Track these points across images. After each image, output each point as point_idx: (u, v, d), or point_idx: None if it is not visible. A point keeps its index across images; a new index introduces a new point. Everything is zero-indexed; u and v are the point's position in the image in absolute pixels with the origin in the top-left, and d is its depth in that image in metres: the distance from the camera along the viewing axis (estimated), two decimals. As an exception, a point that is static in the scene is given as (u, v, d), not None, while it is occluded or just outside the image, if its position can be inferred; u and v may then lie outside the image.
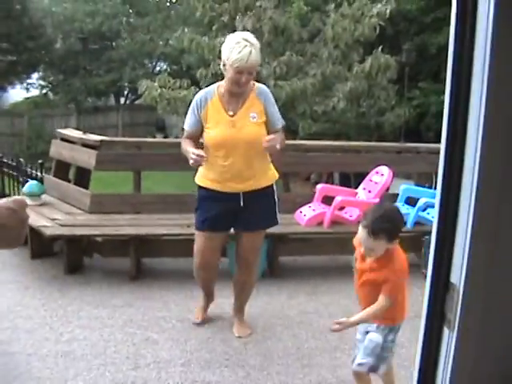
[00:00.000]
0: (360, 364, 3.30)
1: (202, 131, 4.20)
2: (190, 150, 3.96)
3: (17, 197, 1.54)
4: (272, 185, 4.33)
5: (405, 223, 3.33)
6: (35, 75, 24.54)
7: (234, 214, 4.24)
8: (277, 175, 4.39)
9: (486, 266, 0.89)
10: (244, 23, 10.39)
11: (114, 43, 26.09)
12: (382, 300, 3.13)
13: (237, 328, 4.59)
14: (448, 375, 0.96)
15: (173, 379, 3.84)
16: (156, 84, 11.06)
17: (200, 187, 4.29)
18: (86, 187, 6.40)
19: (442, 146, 0.98)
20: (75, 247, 5.71)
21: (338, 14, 10.63)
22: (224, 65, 4.03)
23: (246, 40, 3.95)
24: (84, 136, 6.37)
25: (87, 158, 5.99)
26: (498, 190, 0.87)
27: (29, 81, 24.27)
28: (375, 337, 3.25)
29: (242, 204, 4.19)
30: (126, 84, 26.62)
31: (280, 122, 4.28)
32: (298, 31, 10.99)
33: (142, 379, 3.83)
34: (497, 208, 0.86)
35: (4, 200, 1.49)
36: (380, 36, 11.08)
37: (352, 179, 8.80)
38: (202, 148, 4.15)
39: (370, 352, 3.26)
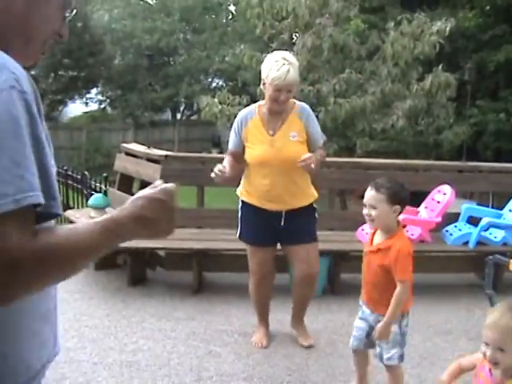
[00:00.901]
0: (390, 358, 3.48)
1: (243, 150, 4.32)
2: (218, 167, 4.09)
3: (165, 185, 1.47)
4: (312, 203, 4.45)
5: (407, 198, 3.53)
6: (94, 90, 25.12)
7: (275, 229, 4.37)
8: (316, 194, 4.50)
9: None
10: (304, 40, 10.47)
11: (171, 59, 26.54)
12: (399, 288, 3.30)
13: (303, 338, 4.68)
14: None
15: (236, 392, 3.90)
16: (216, 100, 11.20)
17: (243, 202, 4.44)
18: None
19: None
20: (139, 260, 5.83)
21: (397, 32, 10.61)
22: (264, 83, 4.15)
23: (285, 59, 4.08)
24: (148, 151, 6.51)
25: (152, 173, 6.12)
26: None
27: (88, 96, 24.86)
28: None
29: (282, 223, 4.33)
30: (183, 100, 27.05)
31: (322, 140, 4.42)
32: (356, 48, 11.00)
33: (206, 391, 3.90)
34: None
35: (151, 190, 1.45)
36: (438, 54, 11.02)
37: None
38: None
39: (393, 343, 3.45)
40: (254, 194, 4.35)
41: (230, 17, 27.59)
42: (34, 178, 1.21)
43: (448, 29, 10.43)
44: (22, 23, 1.40)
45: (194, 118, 29.31)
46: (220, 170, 4.02)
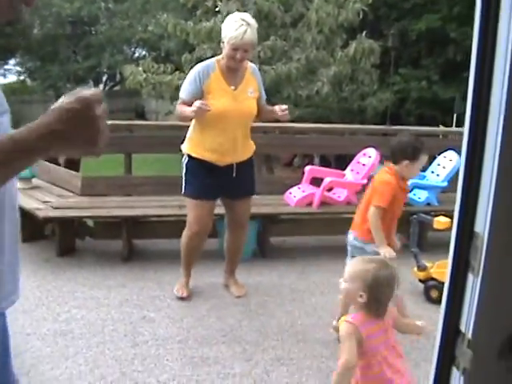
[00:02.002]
0: None
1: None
2: (189, 107, 4.21)
3: (81, 92, 1.28)
4: (253, 155, 4.74)
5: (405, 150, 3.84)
6: (12, 61, 24.36)
7: (224, 183, 4.55)
8: (254, 145, 4.75)
9: (509, 214, 0.99)
10: (228, 8, 10.40)
11: (92, 29, 25.96)
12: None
13: (235, 289, 4.94)
14: (472, 319, 1.05)
15: (171, 355, 3.92)
16: (140, 69, 11.09)
17: (191, 157, 4.51)
18: (77, 170, 6.45)
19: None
20: (67, 230, 5.76)
21: (321, -1, 10.69)
22: (223, 42, 4.33)
23: (243, 20, 4.27)
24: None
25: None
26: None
27: (6, 67, 24.09)
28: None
29: (234, 175, 4.53)
30: (105, 70, 26.55)
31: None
32: (281, 16, 11.01)
33: (142, 356, 3.90)
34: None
35: (64, 99, 1.27)
36: (362, 21, 11.15)
37: (332, 163, 8.90)
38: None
39: None
40: (208, 149, 4.45)
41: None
42: None
43: (371, -4, 10.58)
44: None
45: (116, 88, 28.87)
46: (203, 103, 4.14)
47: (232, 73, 4.41)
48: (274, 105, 4.67)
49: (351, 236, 4.07)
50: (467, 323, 1.07)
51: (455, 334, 1.11)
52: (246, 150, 4.63)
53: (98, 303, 4.72)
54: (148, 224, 5.95)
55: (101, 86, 28.15)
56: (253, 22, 4.34)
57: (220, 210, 4.84)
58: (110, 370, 3.72)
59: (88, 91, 1.28)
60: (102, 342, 4.09)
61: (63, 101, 1.26)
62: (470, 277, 1.05)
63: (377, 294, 2.61)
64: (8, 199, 1.54)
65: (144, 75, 10.81)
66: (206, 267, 5.24)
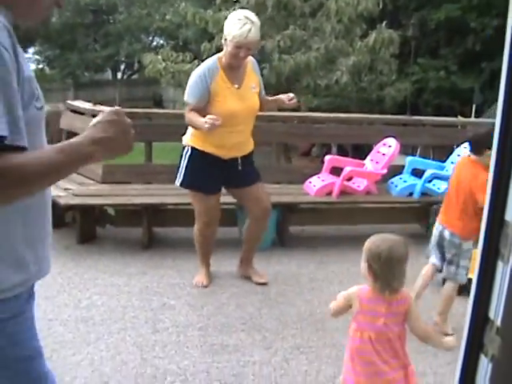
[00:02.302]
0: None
1: (207, 103, 4.38)
2: (200, 119, 4.22)
3: (111, 108, 1.67)
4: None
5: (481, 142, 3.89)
6: (31, 50, 24.45)
7: (230, 175, 4.64)
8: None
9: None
10: (248, -3, 10.43)
11: (111, 17, 26.00)
12: None
13: (258, 276, 5.00)
14: (502, 306, 1.07)
15: (191, 342, 3.96)
16: (159, 57, 11.14)
17: (195, 149, 4.55)
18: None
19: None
20: (88, 217, 5.81)
21: (341, -11, 10.66)
22: (225, 39, 4.32)
23: (247, 18, 4.27)
24: (95, 107, 6.43)
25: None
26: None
27: (25, 55, 24.13)
28: None
29: (240, 168, 4.62)
30: (123, 59, 26.62)
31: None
32: (300, 5, 10.99)
33: (162, 342, 3.95)
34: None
35: (100, 116, 1.62)
36: (381, 11, 11.14)
37: (350, 153, 8.88)
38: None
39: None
40: (214, 145, 4.48)
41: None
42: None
43: (390, -15, 10.55)
44: None
45: (134, 77, 28.94)
46: (213, 119, 4.13)
47: (234, 70, 4.44)
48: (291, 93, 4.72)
49: (447, 232, 4.10)
50: (496, 310, 1.08)
51: (484, 322, 1.12)
52: (250, 144, 4.74)
53: (119, 290, 4.77)
54: (168, 212, 6.00)
55: (119, 75, 28.26)
56: (256, 19, 4.35)
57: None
58: (131, 357, 3.77)
59: (116, 107, 1.68)
60: (123, 328, 4.14)
61: (101, 117, 1.61)
62: (500, 264, 1.07)
63: (377, 271, 2.65)
64: (48, 192, 1.81)
65: (163, 64, 10.88)
66: (225, 256, 5.28)
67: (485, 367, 1.12)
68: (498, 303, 1.08)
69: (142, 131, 6.07)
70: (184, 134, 4.67)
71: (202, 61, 10.09)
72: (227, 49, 4.31)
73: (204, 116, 4.26)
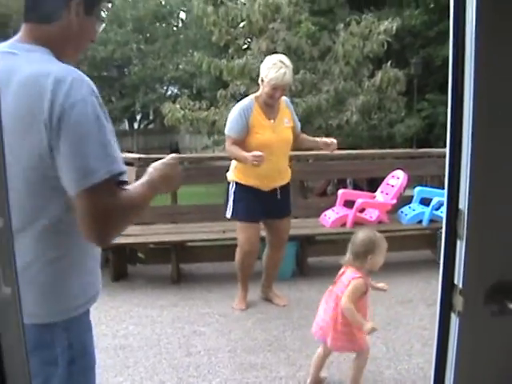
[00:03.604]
0: None
1: (246, 136, 4.87)
2: (245, 154, 4.73)
3: (170, 155, 2.11)
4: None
5: None
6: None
7: (269, 205, 5.06)
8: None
9: (483, 194, 1.41)
10: (259, 45, 10.96)
11: (125, 70, 26.74)
12: None
13: (280, 299, 5.47)
14: (461, 273, 1.47)
15: (222, 363, 4.32)
16: (178, 106, 11.65)
17: (238, 184, 5.03)
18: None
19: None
20: (120, 256, 6.22)
21: (347, 33, 11.19)
22: (262, 81, 4.86)
23: (282, 62, 4.82)
24: (122, 155, 6.88)
25: (128, 175, 6.52)
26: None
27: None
28: None
29: (279, 197, 5.07)
30: (139, 109, 27.30)
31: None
32: (309, 50, 11.53)
33: (195, 364, 4.30)
34: (490, 147, 1.38)
35: (162, 161, 2.03)
36: (387, 51, 11.60)
37: (364, 188, 9.26)
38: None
39: None
40: (254, 176, 4.94)
41: (181, 25, 27.92)
42: (118, 154, 1.78)
43: (394, 28, 11.06)
44: (76, 38, 1.90)
45: (150, 126, 29.61)
46: (258, 155, 4.64)
47: (269, 107, 4.93)
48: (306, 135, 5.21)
49: None
50: (458, 277, 1.48)
51: (451, 287, 1.52)
52: (287, 174, 5.17)
53: (153, 320, 5.15)
54: (194, 249, 6.40)
55: (135, 125, 28.91)
56: (289, 63, 4.90)
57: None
58: (167, 376, 4.13)
59: (173, 155, 2.12)
60: (159, 353, 4.50)
61: (164, 161, 2.03)
62: (458, 242, 1.47)
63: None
64: None
65: (182, 112, 11.37)
66: (249, 286, 5.64)
67: (454, 321, 1.51)
68: (459, 271, 1.47)
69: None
70: (226, 171, 5.15)
71: (218, 108, 10.63)
72: (264, 89, 4.84)
73: (243, 147, 4.80)
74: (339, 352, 4.03)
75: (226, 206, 5.10)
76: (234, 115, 4.93)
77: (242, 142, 4.86)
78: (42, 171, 1.71)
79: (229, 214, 5.10)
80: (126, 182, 1.81)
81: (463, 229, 1.44)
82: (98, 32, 2.01)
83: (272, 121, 4.95)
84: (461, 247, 1.46)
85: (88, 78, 1.76)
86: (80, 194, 1.69)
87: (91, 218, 1.71)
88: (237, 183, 5.03)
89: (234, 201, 5.05)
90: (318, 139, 5.30)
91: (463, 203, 1.44)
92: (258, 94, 4.98)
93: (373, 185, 8.66)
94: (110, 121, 1.83)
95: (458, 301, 1.49)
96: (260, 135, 4.88)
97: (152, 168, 2.00)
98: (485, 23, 1.34)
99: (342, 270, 3.80)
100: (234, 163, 5.07)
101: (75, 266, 1.91)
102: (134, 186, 1.88)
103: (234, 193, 5.04)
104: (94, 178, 1.67)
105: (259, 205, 5.02)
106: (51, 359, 1.85)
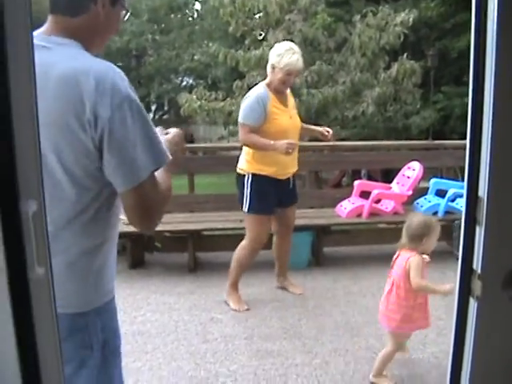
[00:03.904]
0: None
1: (263, 124, 4.83)
2: (273, 142, 4.73)
3: (175, 131, 2.14)
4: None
5: None
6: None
7: (283, 194, 5.12)
8: None
9: (503, 182, 1.45)
10: (276, 36, 10.99)
11: (141, 60, 26.76)
12: None
13: (295, 287, 5.53)
14: (480, 258, 1.51)
15: (239, 349, 4.38)
16: (194, 97, 11.71)
17: (255, 175, 4.94)
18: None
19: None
20: (138, 244, 6.30)
21: (363, 24, 11.19)
22: (273, 68, 4.84)
23: (292, 48, 4.86)
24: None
25: (146, 164, 6.61)
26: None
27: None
28: None
29: (291, 185, 5.16)
30: (154, 100, 27.35)
31: None
32: (325, 41, 11.55)
33: (212, 350, 4.38)
34: (509, 136, 1.43)
35: (167, 136, 2.08)
36: (403, 43, 11.61)
37: (379, 179, 9.28)
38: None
39: None
40: (271, 164, 4.92)
41: (196, 15, 27.91)
42: (161, 143, 1.83)
43: (411, 20, 11.04)
44: (103, 29, 1.94)
45: (165, 117, 29.66)
46: (291, 143, 4.71)
47: (281, 94, 4.96)
48: (319, 126, 5.25)
49: None
50: (477, 262, 1.53)
51: (470, 272, 1.56)
52: (297, 161, 5.16)
53: (170, 308, 5.22)
54: (210, 238, 6.48)
55: (150, 115, 28.99)
56: (299, 50, 4.94)
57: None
58: (185, 362, 4.20)
59: (178, 130, 2.15)
60: (177, 339, 4.58)
61: (169, 137, 2.09)
62: (477, 228, 1.52)
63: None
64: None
65: (198, 102, 11.43)
66: (267, 275, 5.72)
67: (472, 306, 1.56)
68: (478, 256, 1.52)
69: (185, 164, 6.61)
70: (237, 162, 5.11)
71: (234, 98, 10.67)
72: (276, 76, 4.83)
73: (259, 135, 4.78)
74: (402, 332, 3.95)
75: (241, 199, 5.01)
76: (249, 103, 4.86)
77: (258, 130, 4.81)
78: (87, 166, 1.76)
79: (246, 208, 5.00)
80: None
81: (482, 215, 1.49)
82: (122, 22, 2.07)
83: (286, 107, 4.98)
84: (480, 233, 1.51)
85: (120, 70, 1.81)
86: (129, 190, 1.77)
87: (141, 210, 1.81)
88: (253, 174, 4.95)
89: (251, 193, 4.94)
90: (313, 127, 5.39)
91: (483, 190, 1.48)
92: (267, 81, 4.94)
93: (387, 176, 8.69)
94: None
95: (477, 285, 1.54)
96: (279, 121, 4.87)
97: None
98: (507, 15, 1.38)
99: (396, 254, 3.87)
100: (247, 153, 4.99)
101: (109, 253, 1.99)
102: (160, 176, 1.92)
103: (251, 185, 4.94)
104: (142, 175, 1.75)
105: (275, 195, 5.02)
106: (86, 343, 1.92)
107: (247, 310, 5.14)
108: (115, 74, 1.76)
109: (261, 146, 4.81)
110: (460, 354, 1.60)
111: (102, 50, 2.04)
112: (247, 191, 4.96)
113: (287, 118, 4.95)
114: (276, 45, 5.03)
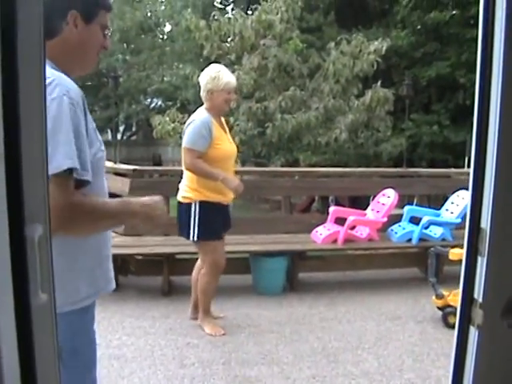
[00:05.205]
0: None
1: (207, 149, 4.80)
2: (216, 171, 4.72)
3: (158, 198, 2.14)
4: None
5: None
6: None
7: (226, 220, 5.11)
8: None
9: (506, 214, 1.49)
10: (250, 60, 11.08)
11: (110, 80, 26.65)
12: None
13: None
14: (482, 287, 1.54)
15: (217, 375, 4.35)
16: (167, 119, 11.71)
17: (203, 202, 4.84)
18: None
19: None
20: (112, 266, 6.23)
21: (337, 52, 11.35)
22: (212, 93, 4.82)
23: (221, 68, 4.95)
24: (116, 165, 6.96)
25: (121, 186, 6.57)
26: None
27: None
28: None
29: (230, 210, 5.18)
30: (123, 120, 27.24)
31: None
32: (299, 67, 11.66)
33: (190, 376, 4.33)
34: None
35: (153, 199, 2.09)
36: (375, 70, 11.79)
37: (346, 205, 9.35)
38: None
39: None
40: (215, 190, 4.85)
41: (166, 37, 27.92)
42: (72, 152, 1.78)
43: (384, 48, 11.23)
44: (79, 47, 1.99)
45: (133, 138, 29.59)
46: (240, 185, 4.80)
47: (219, 119, 4.96)
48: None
49: None
50: (478, 291, 1.56)
51: (471, 301, 1.59)
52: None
53: (145, 332, 5.17)
54: (185, 261, 6.43)
55: (118, 136, 28.83)
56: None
57: (250, 247, 5.36)
58: (163, 387, 4.18)
59: (156, 198, 2.13)
60: (153, 364, 4.53)
61: (152, 200, 2.09)
62: (479, 258, 1.55)
63: None
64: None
65: (172, 125, 11.43)
66: (241, 300, 5.72)
67: (473, 334, 1.59)
68: (479, 286, 1.55)
69: (160, 187, 6.60)
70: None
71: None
72: (218, 99, 4.81)
73: (203, 160, 4.72)
74: None
75: (186, 228, 4.89)
76: (197, 128, 4.75)
77: (202, 156, 4.75)
78: None
79: (195, 237, 4.87)
80: (88, 182, 1.87)
81: (485, 246, 1.52)
82: (107, 38, 2.08)
83: (225, 133, 5.01)
84: (482, 263, 1.54)
85: (72, 84, 1.87)
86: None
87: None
88: (200, 202, 4.84)
89: (199, 222, 4.84)
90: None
91: (485, 222, 1.51)
92: (206, 107, 4.89)
93: (355, 203, 8.78)
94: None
95: (478, 314, 1.57)
96: (222, 147, 4.85)
97: (138, 198, 2.10)
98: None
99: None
100: (191, 181, 4.90)
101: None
102: (107, 199, 1.99)
103: (200, 212, 4.84)
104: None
105: (221, 220, 4.99)
106: None
107: (223, 334, 5.11)
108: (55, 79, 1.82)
109: (209, 175, 4.75)
110: (460, 382, 1.63)
111: (91, 68, 2.13)
112: (195, 220, 4.85)
113: (228, 143, 4.98)
114: (204, 71, 4.96)
